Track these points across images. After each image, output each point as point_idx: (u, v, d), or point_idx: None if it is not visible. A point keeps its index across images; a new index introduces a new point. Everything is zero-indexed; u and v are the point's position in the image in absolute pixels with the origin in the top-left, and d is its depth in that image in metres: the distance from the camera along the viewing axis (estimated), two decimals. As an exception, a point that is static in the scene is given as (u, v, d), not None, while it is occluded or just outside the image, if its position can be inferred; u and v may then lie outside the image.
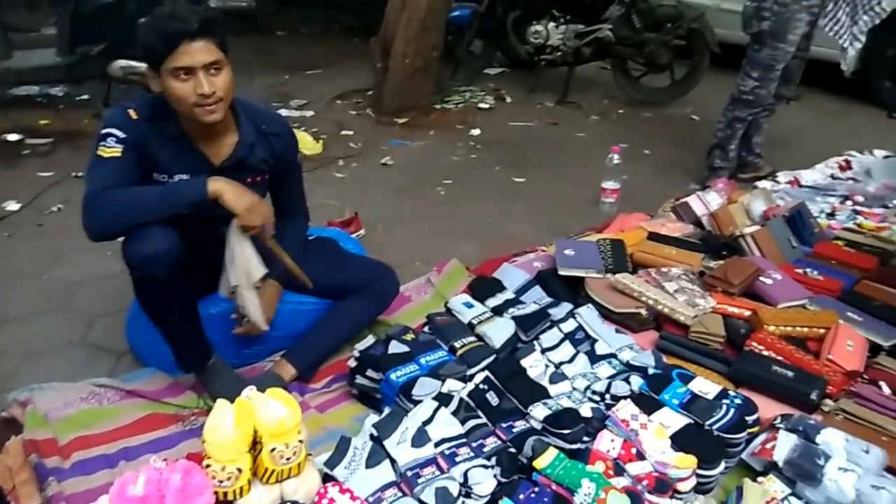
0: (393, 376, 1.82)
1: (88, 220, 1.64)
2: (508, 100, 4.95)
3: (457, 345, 1.99)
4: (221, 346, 1.92)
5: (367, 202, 3.23)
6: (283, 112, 4.48)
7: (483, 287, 2.33)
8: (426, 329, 2.12)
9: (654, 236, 2.67)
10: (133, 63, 3.78)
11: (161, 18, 1.63)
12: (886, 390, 1.92)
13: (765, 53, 3.17)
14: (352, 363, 1.93)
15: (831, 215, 3.10)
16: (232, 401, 1.51)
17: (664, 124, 4.48)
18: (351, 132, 4.21)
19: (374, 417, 1.72)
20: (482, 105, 4.79)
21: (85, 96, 4.42)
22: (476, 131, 4.30)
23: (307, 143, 3.80)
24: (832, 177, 3.51)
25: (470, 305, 2.19)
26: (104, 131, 1.70)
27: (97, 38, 3.92)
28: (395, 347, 1.93)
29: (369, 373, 1.87)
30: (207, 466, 1.45)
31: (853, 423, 1.80)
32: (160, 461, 1.45)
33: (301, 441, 1.50)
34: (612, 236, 2.67)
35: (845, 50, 3.21)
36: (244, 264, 1.77)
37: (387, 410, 1.73)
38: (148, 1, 3.69)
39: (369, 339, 2.00)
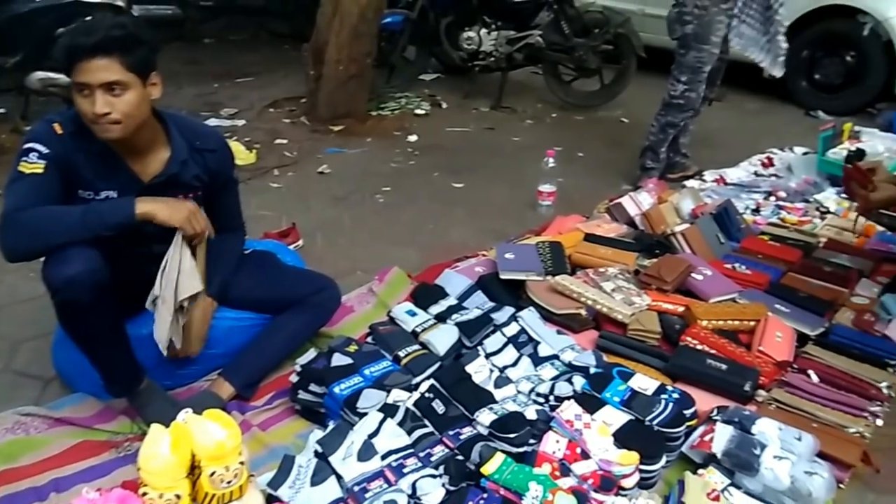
0: (337, 389, 1.79)
1: (5, 239, 1.56)
2: (444, 105, 4.97)
3: (401, 354, 1.98)
4: (154, 367, 1.84)
5: (304, 212, 3.19)
6: (214, 122, 4.37)
7: (425, 294, 2.32)
8: (369, 339, 2.10)
9: (590, 237, 2.73)
10: (52, 75, 3.61)
11: (74, 31, 1.59)
12: (815, 378, 2.01)
13: (691, 56, 3.28)
14: (293, 378, 1.89)
15: (756, 211, 3.22)
16: (167, 425, 1.46)
17: (596, 127, 4.59)
18: (285, 141, 4.13)
19: (318, 433, 1.68)
20: (418, 111, 4.79)
21: (1, 110, 4.20)
22: (413, 137, 4.30)
23: (240, 153, 3.70)
24: (756, 174, 3.66)
25: (413, 313, 2.18)
26: (27, 146, 1.63)
27: (12, 50, 3.72)
28: (338, 360, 1.90)
29: (312, 387, 1.83)
30: (144, 494, 1.39)
31: (785, 411, 1.88)
32: (94, 491, 1.39)
33: (242, 462, 1.45)
34: (550, 239, 2.71)
35: (776, 58, 3.34)
36: (173, 277, 1.70)
37: (331, 425, 1.70)
38: (64, 11, 3.56)
39: (311, 353, 1.96)
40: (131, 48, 1.59)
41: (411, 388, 1.84)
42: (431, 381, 1.84)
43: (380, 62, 4.86)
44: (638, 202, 3.06)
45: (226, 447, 1.42)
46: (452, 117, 4.74)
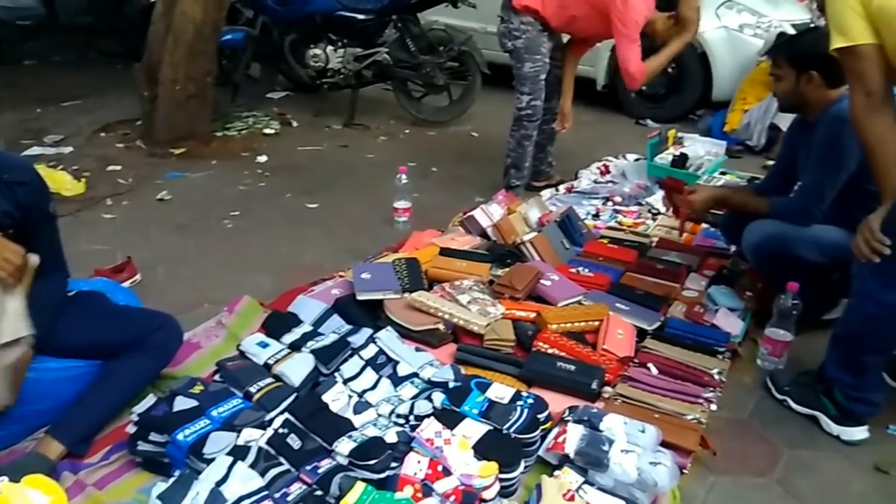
0: (180, 436, 1.66)
1: None
2: (295, 124, 4.86)
3: (252, 389, 1.87)
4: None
5: (143, 244, 2.97)
6: (37, 150, 3.99)
7: (278, 323, 2.23)
8: (217, 377, 1.98)
9: (445, 251, 2.76)
10: None
11: None
12: (654, 371, 2.14)
13: (527, 67, 3.43)
14: (131, 428, 1.73)
15: (596, 216, 3.41)
16: (-21, 499, 1.28)
17: (448, 141, 4.68)
18: (119, 167, 3.85)
19: (161, 486, 1.55)
20: (267, 130, 4.65)
21: None
22: (263, 158, 4.16)
23: (66, 184, 3.40)
24: (595, 181, 3.87)
25: (265, 345, 2.08)
26: None
27: None
28: (182, 403, 1.77)
29: (153, 436, 1.69)
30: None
31: (630, 405, 1.98)
32: None
33: (70, 532, 1.30)
34: (406, 255, 2.71)
35: None
36: None
37: (176, 475, 1.58)
38: None
39: (150, 399, 1.81)
40: None
41: (264, 426, 1.75)
42: (286, 415, 1.76)
43: (223, 81, 4.68)
44: (489, 214, 3.14)
45: (49, 516, 1.27)
46: (304, 136, 4.64)
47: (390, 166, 3.62)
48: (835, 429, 1.99)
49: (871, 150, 1.79)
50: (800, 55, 2.26)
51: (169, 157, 4.03)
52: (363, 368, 2.03)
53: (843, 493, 1.81)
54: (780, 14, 5.10)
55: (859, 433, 1.97)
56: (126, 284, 2.52)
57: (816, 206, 2.24)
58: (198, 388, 1.84)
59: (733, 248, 2.84)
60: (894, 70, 1.71)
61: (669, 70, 5.12)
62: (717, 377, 2.13)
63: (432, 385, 1.99)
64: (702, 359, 2.21)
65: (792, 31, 4.74)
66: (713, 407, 2.03)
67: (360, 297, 2.37)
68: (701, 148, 4.01)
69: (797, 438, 1.99)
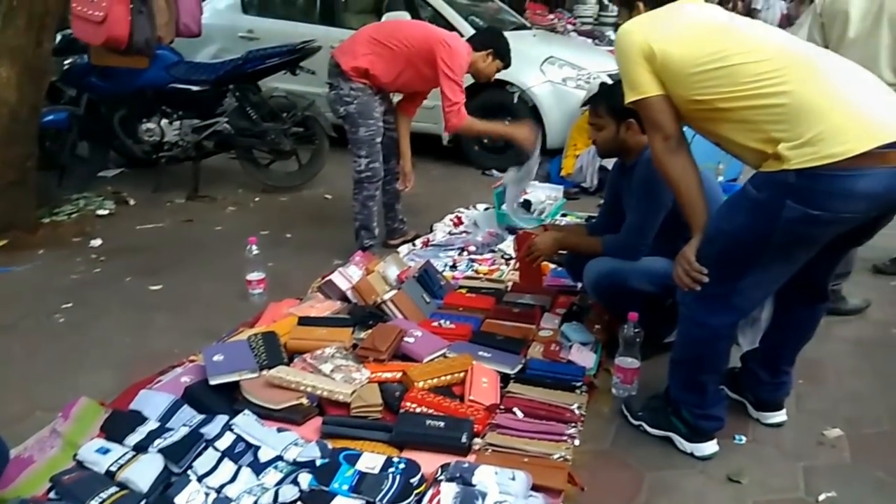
0: (7, 573, 1.46)
1: None
2: (132, 202, 4.60)
3: (93, 503, 1.69)
4: None
5: (-42, 352, 2.64)
6: None
7: (119, 424, 2.03)
8: (52, 495, 1.76)
9: (304, 320, 2.69)
10: None
11: None
12: (520, 414, 2.18)
13: (362, 132, 3.49)
14: (-54, 574, 1.50)
15: (453, 267, 3.48)
16: None
17: (301, 206, 4.62)
18: (-72, 268, 3.43)
19: None
20: (101, 211, 4.35)
21: None
22: (97, 242, 3.88)
23: None
24: (449, 233, 3.97)
25: (105, 450, 1.89)
26: None
27: None
28: (8, 534, 1.56)
29: (-27, 579, 1.47)
30: None
31: (499, 453, 1.99)
32: None
33: None
34: (263, 330, 2.61)
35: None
36: None
37: None
38: None
39: (-31, 535, 1.59)
40: None
41: (109, 543, 1.58)
42: (133, 526, 1.60)
43: (47, 164, 4.34)
44: (348, 276, 3.11)
45: None
46: (143, 214, 4.39)
47: (241, 237, 3.49)
48: (688, 446, 2.12)
49: (676, 188, 1.97)
50: (618, 105, 2.45)
51: (-13, 251, 3.66)
52: (220, 461, 1.89)
53: (702, 507, 1.93)
54: (598, 66, 5.59)
55: (710, 448, 2.11)
56: (-65, 403, 2.21)
57: (641, 242, 2.44)
58: (27, 513, 1.63)
59: (580, 284, 3.00)
60: (684, 115, 1.91)
61: (506, 123, 5.43)
62: (577, 412, 2.21)
63: (298, 466, 1.90)
64: (562, 396, 2.28)
65: (610, 82, 5.18)
66: (576, 442, 2.09)
67: (212, 382, 2.24)
68: (542, 193, 4.25)
69: (656, 460, 2.09)
